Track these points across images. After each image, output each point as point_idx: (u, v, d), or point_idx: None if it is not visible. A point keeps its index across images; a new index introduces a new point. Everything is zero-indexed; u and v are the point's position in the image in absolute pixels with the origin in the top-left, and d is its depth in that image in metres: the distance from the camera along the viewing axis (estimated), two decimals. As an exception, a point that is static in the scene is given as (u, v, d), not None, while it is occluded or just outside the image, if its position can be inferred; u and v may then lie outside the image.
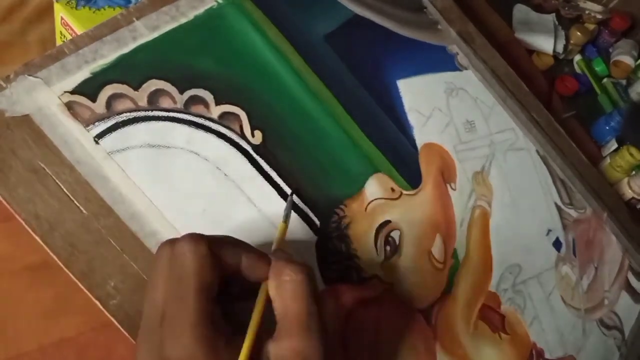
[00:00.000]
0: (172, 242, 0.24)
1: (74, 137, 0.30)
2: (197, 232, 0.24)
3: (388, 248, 0.36)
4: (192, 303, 0.22)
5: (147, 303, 0.24)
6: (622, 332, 0.46)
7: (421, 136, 0.40)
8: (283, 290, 0.24)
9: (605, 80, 0.64)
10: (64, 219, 0.29)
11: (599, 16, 0.64)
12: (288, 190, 0.33)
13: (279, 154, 0.34)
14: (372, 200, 0.36)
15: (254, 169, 0.33)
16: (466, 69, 0.45)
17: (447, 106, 0.43)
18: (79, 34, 0.37)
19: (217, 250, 0.24)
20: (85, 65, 0.31)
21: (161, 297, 0.23)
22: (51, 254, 0.29)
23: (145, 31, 0.33)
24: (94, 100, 0.30)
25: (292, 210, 0.31)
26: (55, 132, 0.29)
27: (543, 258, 0.43)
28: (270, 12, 0.36)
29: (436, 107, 0.42)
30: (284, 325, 0.23)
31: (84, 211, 0.29)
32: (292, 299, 0.23)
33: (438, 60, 0.44)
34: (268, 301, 0.24)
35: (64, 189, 0.29)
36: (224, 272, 0.24)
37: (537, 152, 0.46)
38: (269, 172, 0.33)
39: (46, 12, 0.44)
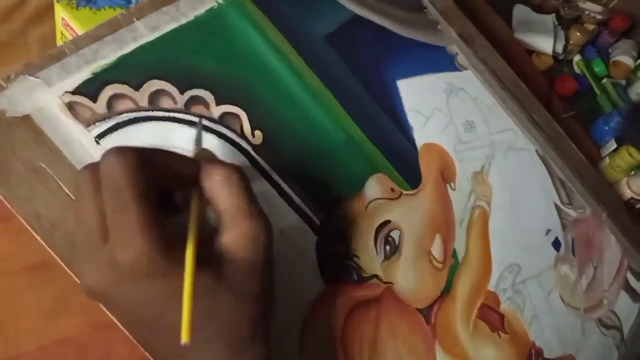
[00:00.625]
0: (93, 163, 0.23)
1: (74, 137, 0.30)
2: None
3: (388, 248, 0.36)
4: (135, 207, 0.21)
5: (78, 230, 0.23)
6: (621, 331, 0.46)
7: (421, 136, 0.40)
8: (219, 188, 0.24)
9: (604, 80, 0.64)
10: (65, 218, 0.29)
11: (599, 16, 0.65)
12: (288, 190, 0.33)
13: (279, 154, 0.34)
14: (372, 200, 0.36)
15: (254, 169, 0.33)
16: (466, 69, 0.46)
17: (447, 106, 0.43)
18: (79, 34, 0.37)
19: (144, 157, 0.23)
20: (85, 66, 0.31)
21: (94, 216, 0.22)
22: (52, 253, 0.29)
23: (145, 31, 0.33)
24: (94, 100, 0.30)
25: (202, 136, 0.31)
26: (56, 133, 0.30)
27: (542, 258, 0.44)
28: (270, 12, 0.36)
29: (436, 107, 0.42)
30: (229, 218, 0.24)
31: (85, 211, 0.29)
32: (230, 194, 0.24)
33: (438, 61, 0.44)
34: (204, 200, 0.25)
35: (65, 189, 0.29)
36: (157, 178, 0.23)
37: (537, 152, 0.46)
38: (269, 172, 0.33)
39: (46, 12, 0.44)
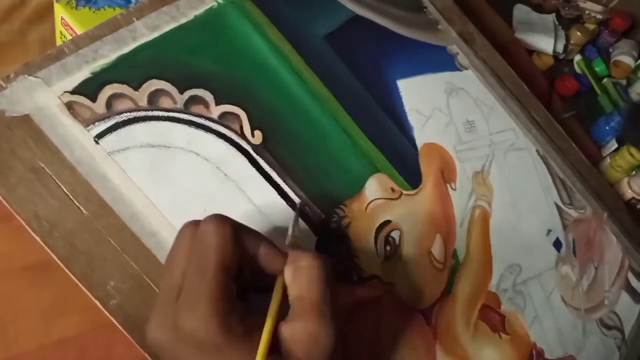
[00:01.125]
0: (196, 222, 0.24)
1: (74, 137, 0.30)
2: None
3: (388, 248, 0.36)
4: (212, 277, 0.22)
5: (164, 279, 0.24)
6: (622, 332, 0.46)
7: (421, 136, 0.40)
8: (299, 275, 0.24)
9: (605, 80, 0.64)
10: (64, 219, 0.29)
11: (599, 16, 0.65)
12: (288, 190, 0.33)
13: (279, 154, 0.34)
14: (372, 200, 0.36)
15: (254, 169, 0.33)
16: (466, 69, 0.45)
17: (447, 106, 0.43)
18: (79, 33, 0.37)
19: (239, 234, 0.24)
20: (85, 65, 0.31)
21: (180, 272, 0.23)
22: (51, 254, 0.29)
23: (145, 31, 0.32)
24: (94, 100, 0.30)
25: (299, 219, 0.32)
26: (56, 132, 0.29)
27: (543, 258, 0.43)
28: (270, 12, 0.36)
29: (436, 107, 0.42)
30: (298, 308, 0.24)
31: (84, 211, 0.29)
32: (308, 284, 0.24)
33: (438, 60, 0.44)
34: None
35: (64, 189, 0.29)
36: (241, 258, 0.24)
37: (537, 152, 0.46)
38: (269, 172, 0.33)
39: (46, 12, 0.44)
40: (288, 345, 0.23)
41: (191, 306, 0.22)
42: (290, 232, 0.29)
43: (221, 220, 0.24)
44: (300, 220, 0.33)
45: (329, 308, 0.24)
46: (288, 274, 0.25)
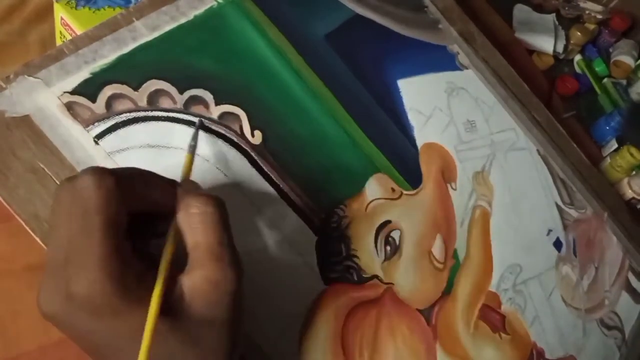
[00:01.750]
0: (72, 178, 0.22)
1: (73, 137, 0.30)
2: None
3: (388, 248, 0.36)
4: (99, 238, 0.20)
5: (49, 247, 0.22)
6: (623, 332, 0.46)
7: (421, 136, 0.40)
8: (192, 222, 0.23)
9: (605, 80, 0.64)
10: (63, 219, 0.29)
11: (599, 16, 0.64)
12: (288, 190, 0.33)
13: (279, 154, 0.34)
14: (373, 200, 0.36)
15: (253, 169, 0.33)
16: (467, 68, 0.45)
17: (447, 106, 0.43)
18: (78, 34, 0.37)
19: (124, 184, 0.22)
20: (85, 66, 0.31)
21: (64, 237, 0.21)
22: (51, 254, 0.28)
23: (145, 31, 0.32)
24: (93, 100, 0.30)
25: (197, 142, 0.30)
26: (55, 133, 0.29)
27: (543, 258, 0.43)
28: (270, 11, 0.36)
29: (437, 107, 0.42)
30: (195, 257, 0.22)
31: (84, 211, 0.29)
32: (202, 231, 0.22)
33: (439, 60, 0.44)
34: (180, 236, 0.23)
35: (64, 189, 0.29)
36: (133, 206, 0.22)
37: (538, 151, 0.46)
38: (268, 172, 0.33)
39: (46, 12, 0.44)
40: (189, 298, 0.21)
41: (82, 271, 0.20)
42: (188, 142, 0.27)
43: (100, 172, 0.21)
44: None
45: (228, 252, 0.22)
46: (181, 222, 0.23)
